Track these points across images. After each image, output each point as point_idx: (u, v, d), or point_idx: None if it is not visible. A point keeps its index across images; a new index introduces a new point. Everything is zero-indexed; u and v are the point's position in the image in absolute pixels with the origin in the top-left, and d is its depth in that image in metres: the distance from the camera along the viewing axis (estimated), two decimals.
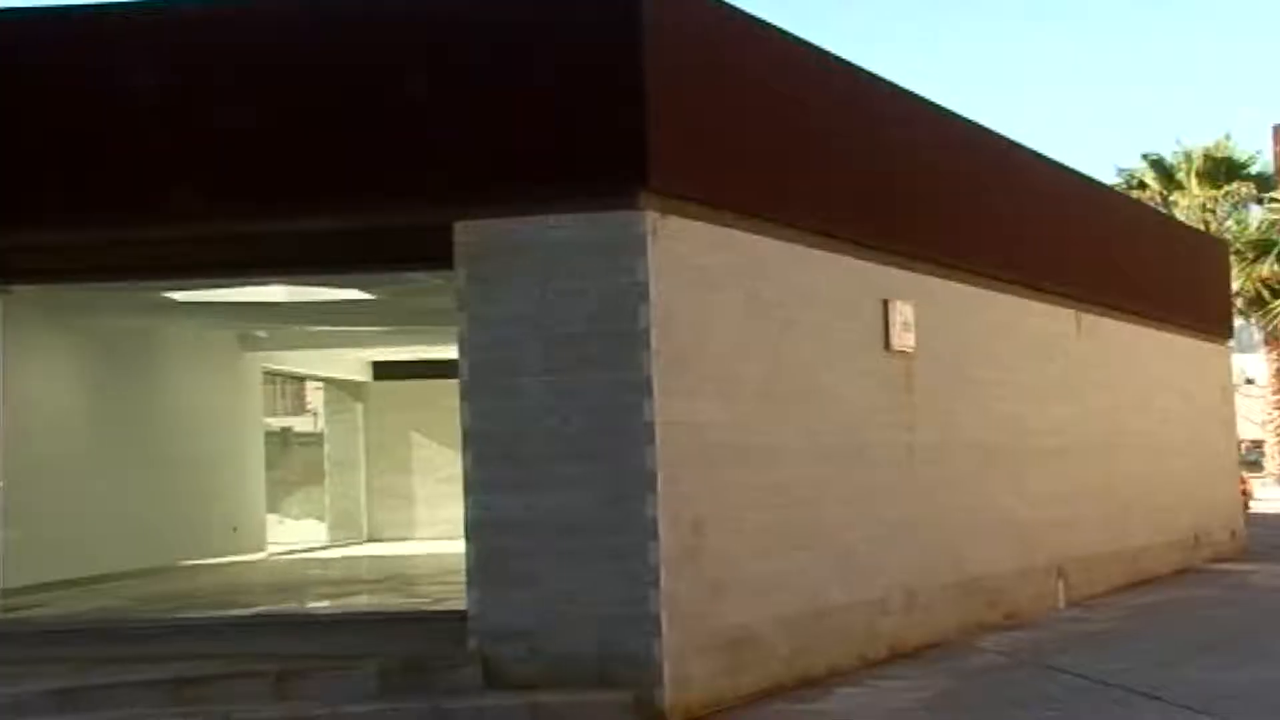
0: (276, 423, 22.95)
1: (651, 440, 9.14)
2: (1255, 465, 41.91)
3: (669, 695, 9.01)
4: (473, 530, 9.33)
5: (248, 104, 9.81)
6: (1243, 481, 26.08)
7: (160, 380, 17.44)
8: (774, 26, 10.84)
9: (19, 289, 12.54)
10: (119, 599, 13.69)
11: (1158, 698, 9.72)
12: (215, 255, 11.08)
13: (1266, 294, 35.56)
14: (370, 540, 22.20)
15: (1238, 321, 31.34)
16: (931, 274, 12.96)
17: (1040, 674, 10.93)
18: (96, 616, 12.37)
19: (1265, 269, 35.24)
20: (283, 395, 25.38)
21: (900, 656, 11.60)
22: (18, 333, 13.56)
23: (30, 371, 14.24)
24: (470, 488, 9.36)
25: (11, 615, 11.85)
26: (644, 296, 9.20)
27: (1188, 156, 37.42)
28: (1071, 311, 16.27)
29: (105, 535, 15.13)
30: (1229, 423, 22.76)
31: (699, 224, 9.81)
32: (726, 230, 10.13)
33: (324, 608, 14.02)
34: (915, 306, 12.48)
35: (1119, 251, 18.08)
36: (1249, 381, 44.45)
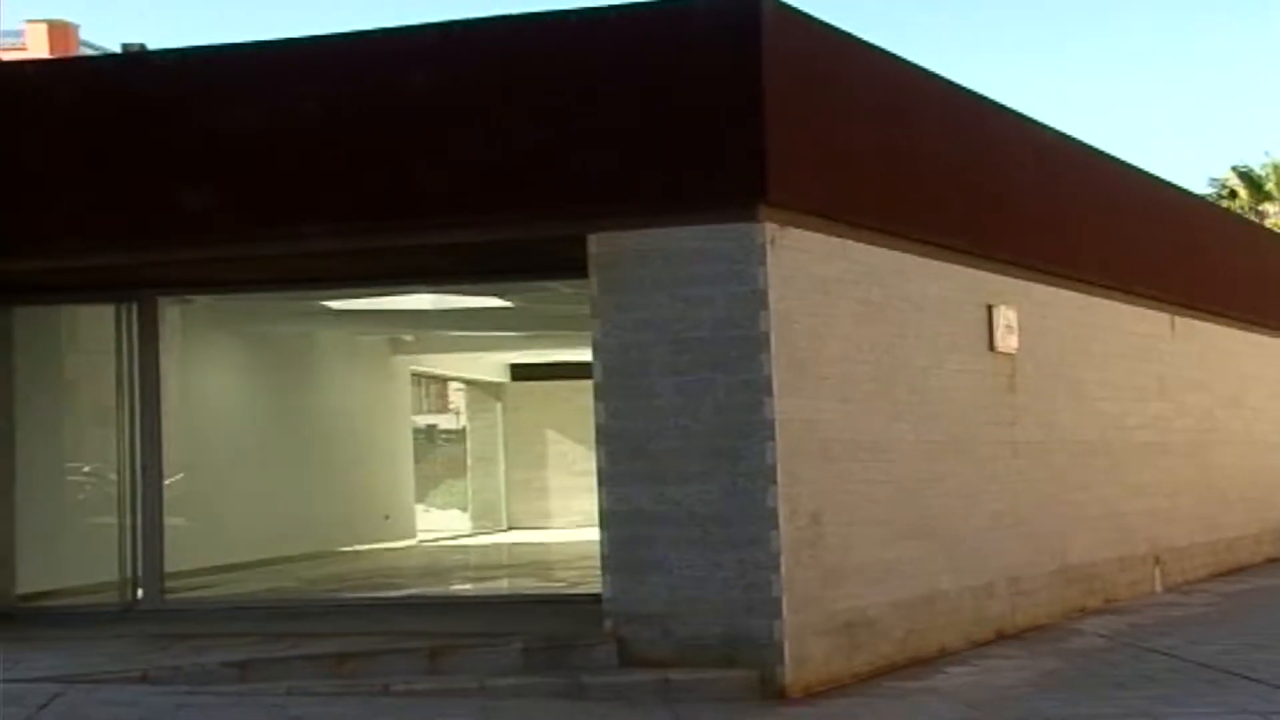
0: (422, 420, 23.09)
1: (772, 437, 9.10)
2: None
3: (790, 673, 8.98)
4: (607, 520, 9.34)
5: (398, 128, 9.93)
6: None
7: (318, 381, 17.71)
8: (882, 49, 10.74)
9: (196, 300, 12.86)
10: (285, 581, 13.93)
11: (1251, 678, 9.53)
12: (368, 267, 11.26)
13: None
14: (509, 529, 22.35)
15: None
16: (1033, 280, 12.77)
17: (1139, 655, 10.74)
18: (266, 596, 12.61)
19: None
20: (427, 395, 25.51)
21: (1006, 638, 11.47)
22: (194, 339, 13.90)
23: (205, 374, 14.58)
24: (605, 481, 9.37)
25: (191, 594, 12.10)
26: (764, 303, 9.16)
27: (1275, 168, 36.55)
28: (1166, 314, 15.96)
29: (271, 523, 15.39)
30: None
31: (815, 235, 9.76)
32: (841, 241, 10.06)
33: (470, 590, 14.16)
34: (1018, 311, 12.33)
35: (1210, 258, 17.69)
36: None
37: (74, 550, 12.21)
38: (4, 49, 24.93)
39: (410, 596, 13.04)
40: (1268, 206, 36.03)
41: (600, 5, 9.59)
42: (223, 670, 8.92)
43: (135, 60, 12.41)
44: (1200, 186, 35.70)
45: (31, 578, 11.79)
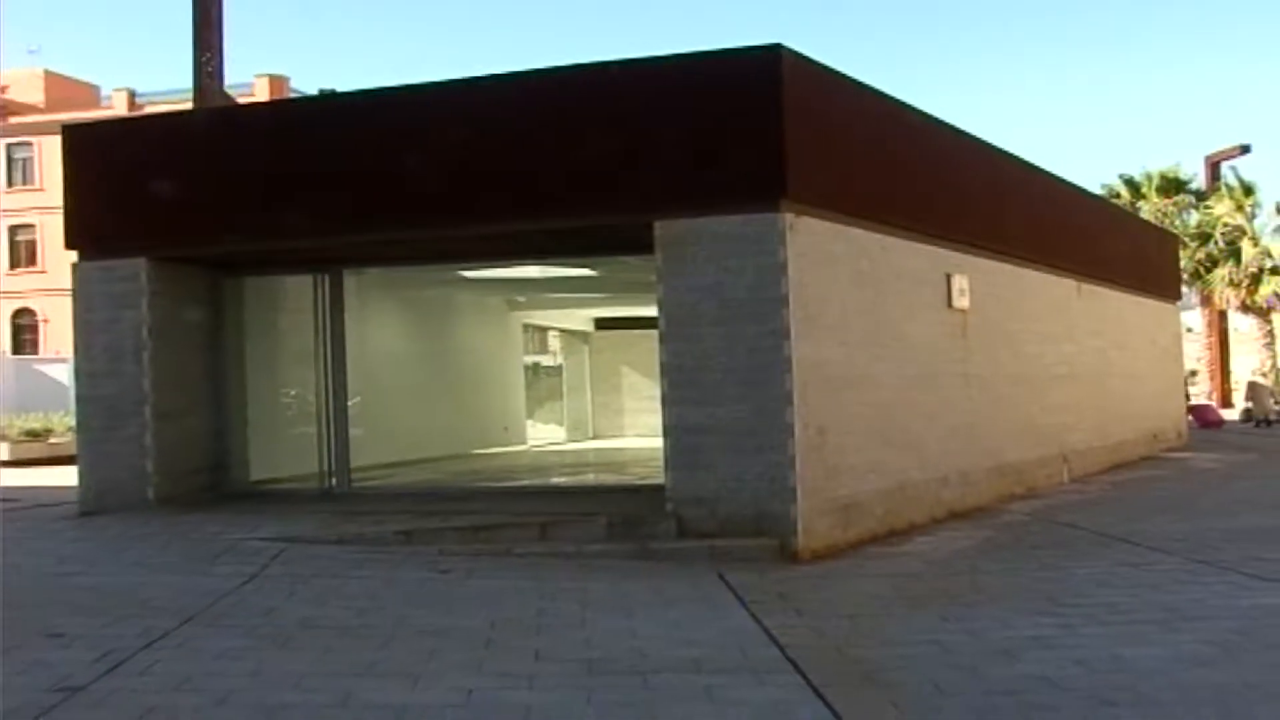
0: (530, 359, 22.90)
1: (789, 371, 8.88)
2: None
3: (802, 542, 8.82)
4: (669, 431, 9.16)
5: (521, 150, 9.69)
6: (1187, 399, 24.96)
7: (456, 330, 17.61)
8: (870, 86, 10.41)
9: (369, 271, 12.76)
10: (434, 474, 13.85)
11: (1129, 541, 9.41)
12: (492, 247, 11.10)
13: (1202, 270, 34.60)
14: (595, 438, 22.20)
15: (1184, 289, 30.01)
16: (979, 256, 12.42)
17: (1051, 527, 10.51)
18: (421, 485, 12.54)
19: (1201, 253, 34.31)
20: (532, 340, 25.32)
21: (956, 517, 11.22)
22: (368, 301, 13.79)
23: (374, 325, 14.47)
24: (666, 403, 9.19)
25: (369, 483, 12.06)
26: (784, 272, 8.92)
27: (1149, 177, 35.89)
28: (1073, 281, 15.57)
29: (422, 432, 15.32)
30: (1179, 359, 21.82)
31: (822, 222, 9.49)
32: (841, 226, 9.78)
33: (567, 482, 14.02)
34: (969, 278, 11.99)
35: (1105, 240, 17.35)
36: (1189, 330, 42.69)
37: (286, 450, 12.19)
38: (239, 95, 24.93)
39: (524, 486, 12.94)
40: (1142, 204, 35.35)
41: (665, 55, 9.36)
42: (393, 536, 8.87)
43: (323, 101, 12.24)
44: (1095, 188, 35.04)
45: (259, 469, 11.84)
